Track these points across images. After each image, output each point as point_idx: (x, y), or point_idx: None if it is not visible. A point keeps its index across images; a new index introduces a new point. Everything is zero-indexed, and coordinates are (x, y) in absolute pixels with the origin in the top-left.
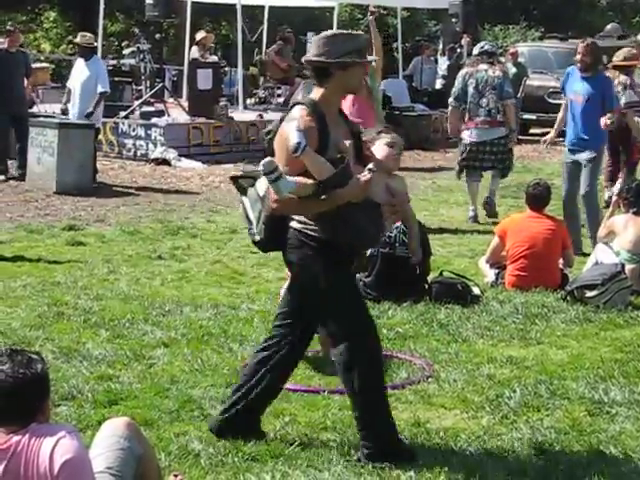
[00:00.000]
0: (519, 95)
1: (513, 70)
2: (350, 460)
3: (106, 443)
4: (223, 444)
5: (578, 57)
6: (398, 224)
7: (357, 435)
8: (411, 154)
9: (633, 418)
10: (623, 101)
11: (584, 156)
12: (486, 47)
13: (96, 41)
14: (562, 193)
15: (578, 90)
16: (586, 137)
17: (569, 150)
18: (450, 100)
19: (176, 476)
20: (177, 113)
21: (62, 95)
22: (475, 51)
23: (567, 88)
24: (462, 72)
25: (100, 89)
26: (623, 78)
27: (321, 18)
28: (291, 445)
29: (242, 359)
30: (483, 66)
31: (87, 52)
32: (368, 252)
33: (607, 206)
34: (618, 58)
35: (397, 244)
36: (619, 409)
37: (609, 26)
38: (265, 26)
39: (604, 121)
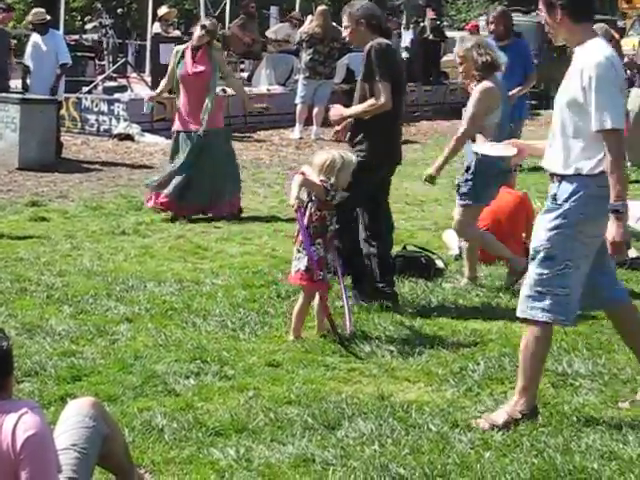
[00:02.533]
0: None
1: None
2: (314, 434)
3: (71, 422)
4: (187, 419)
5: (491, 27)
6: None
7: (321, 409)
8: None
9: (596, 390)
10: None
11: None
12: None
13: (58, 15)
14: None
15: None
16: (510, 107)
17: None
18: None
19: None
20: (140, 88)
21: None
22: None
23: None
24: None
25: (61, 61)
26: None
27: None
28: (255, 419)
29: (206, 334)
30: None
31: (42, 27)
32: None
33: None
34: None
35: None
36: (582, 381)
37: None
38: (228, 0)
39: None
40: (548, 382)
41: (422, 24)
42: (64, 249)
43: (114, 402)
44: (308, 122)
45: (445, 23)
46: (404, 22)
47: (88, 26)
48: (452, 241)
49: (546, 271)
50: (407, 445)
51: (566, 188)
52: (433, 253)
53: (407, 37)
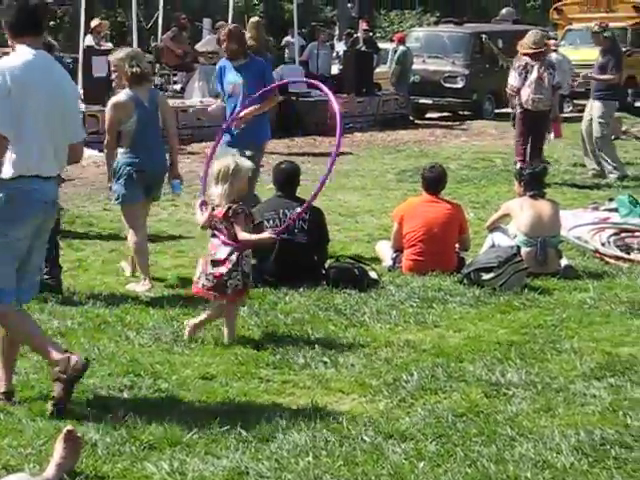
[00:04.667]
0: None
1: (400, 52)
2: (248, 447)
3: None
4: (120, 433)
5: (223, 46)
6: (298, 210)
7: (255, 422)
8: (308, 140)
9: (529, 399)
10: (554, 82)
11: (247, 153)
12: None
13: None
14: None
15: (233, 81)
16: (249, 131)
17: (230, 147)
18: None
19: (70, 431)
20: None
21: None
22: None
23: (224, 83)
24: None
25: None
26: (548, 60)
27: (217, 4)
28: (189, 433)
29: (139, 347)
30: None
31: None
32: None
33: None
34: (527, 44)
35: (296, 230)
36: (516, 390)
37: (504, 10)
38: (160, 12)
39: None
40: (481, 391)
41: (355, 35)
42: None
43: (47, 417)
44: None
45: (378, 35)
46: (337, 33)
47: None
48: (385, 252)
49: None
50: (341, 456)
51: None
52: (366, 264)
53: (340, 48)
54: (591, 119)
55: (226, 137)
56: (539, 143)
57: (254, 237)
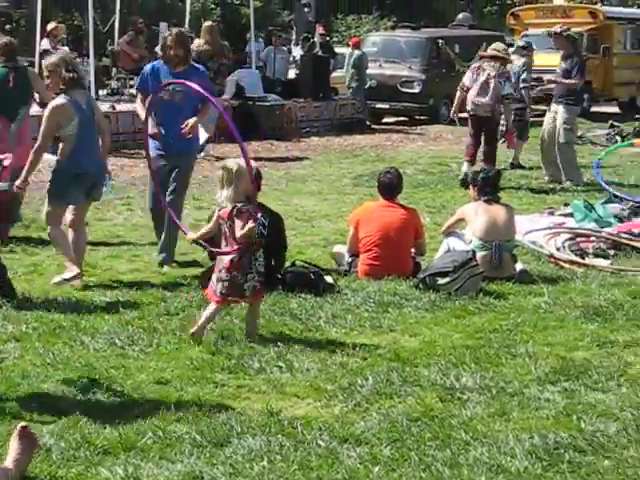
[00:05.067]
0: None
1: (355, 57)
2: (203, 451)
3: None
4: (75, 438)
5: (171, 52)
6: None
7: (210, 426)
8: (265, 144)
9: (484, 403)
10: (504, 92)
11: (180, 163)
12: None
13: None
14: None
15: (171, 88)
16: (185, 140)
17: (159, 156)
18: None
19: (24, 428)
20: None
21: None
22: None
23: (153, 87)
24: None
25: None
26: (505, 69)
27: (174, 8)
28: (143, 438)
29: (94, 352)
30: None
31: None
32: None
33: (465, 180)
34: (498, 48)
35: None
36: (470, 395)
37: (460, 15)
38: (117, 16)
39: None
40: (436, 396)
41: (312, 40)
42: None
43: (1, 421)
44: None
45: (335, 39)
46: (294, 38)
47: None
48: (341, 256)
49: None
50: (296, 461)
51: None
52: (322, 268)
53: (297, 53)
54: (555, 124)
55: (155, 144)
56: (489, 148)
57: (245, 230)
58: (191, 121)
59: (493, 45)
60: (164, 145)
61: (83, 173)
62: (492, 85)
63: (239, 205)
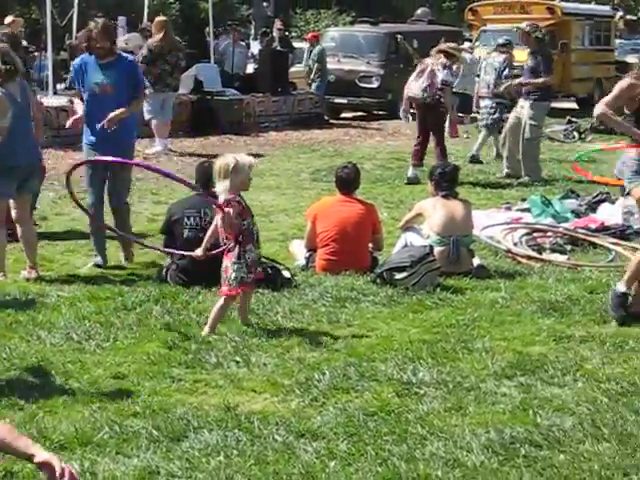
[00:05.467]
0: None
1: (317, 51)
2: (159, 446)
3: None
4: (30, 432)
5: (97, 45)
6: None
7: (166, 421)
8: (223, 139)
9: (440, 398)
10: (439, 79)
11: (111, 158)
12: None
13: None
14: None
15: (101, 80)
16: (119, 132)
17: (92, 149)
18: None
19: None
20: None
21: None
22: None
23: (86, 81)
24: None
25: None
26: (444, 60)
27: (132, 2)
28: (99, 432)
29: (51, 346)
30: None
31: None
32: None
33: (409, 183)
34: (449, 46)
35: None
36: (427, 389)
37: (419, 10)
38: (75, 10)
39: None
40: (393, 391)
41: (270, 35)
42: None
43: None
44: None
45: (294, 34)
46: (252, 32)
47: None
48: (298, 251)
49: None
50: (252, 456)
51: None
52: (279, 263)
53: (255, 47)
54: (519, 118)
55: (90, 138)
56: (436, 139)
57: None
58: (112, 114)
59: (447, 44)
60: (96, 140)
61: (16, 166)
62: (427, 72)
63: (230, 197)
